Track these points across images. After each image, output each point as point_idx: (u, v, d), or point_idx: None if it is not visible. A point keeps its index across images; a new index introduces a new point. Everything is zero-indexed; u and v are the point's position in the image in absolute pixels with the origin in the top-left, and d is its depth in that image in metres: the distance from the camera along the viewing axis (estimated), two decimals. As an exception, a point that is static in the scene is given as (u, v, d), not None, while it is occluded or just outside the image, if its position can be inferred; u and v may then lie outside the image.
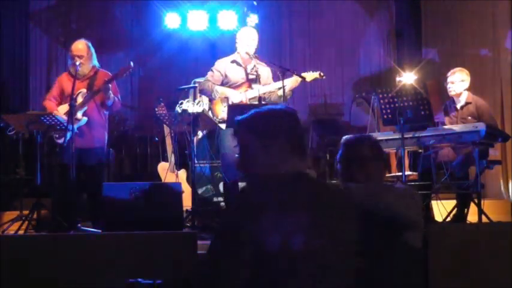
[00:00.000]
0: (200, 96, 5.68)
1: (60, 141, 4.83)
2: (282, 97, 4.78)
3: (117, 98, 4.98)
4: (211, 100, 4.94)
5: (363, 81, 8.41)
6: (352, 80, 8.49)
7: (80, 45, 4.96)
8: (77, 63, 4.83)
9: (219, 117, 4.84)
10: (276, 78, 4.94)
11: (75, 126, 4.72)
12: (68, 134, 4.75)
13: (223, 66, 4.95)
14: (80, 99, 4.83)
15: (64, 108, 4.86)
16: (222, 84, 4.92)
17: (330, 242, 1.70)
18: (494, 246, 3.35)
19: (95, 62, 5.04)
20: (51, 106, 4.95)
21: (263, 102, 4.73)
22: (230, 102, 4.81)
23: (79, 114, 4.79)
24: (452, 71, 5.18)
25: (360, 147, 2.40)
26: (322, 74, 4.90)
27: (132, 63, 4.99)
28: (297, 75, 4.79)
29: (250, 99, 4.86)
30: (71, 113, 4.59)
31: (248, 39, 4.91)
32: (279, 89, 4.80)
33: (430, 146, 4.76)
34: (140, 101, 8.10)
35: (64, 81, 5.01)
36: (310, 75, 4.88)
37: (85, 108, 4.82)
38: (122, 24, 8.15)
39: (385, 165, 2.15)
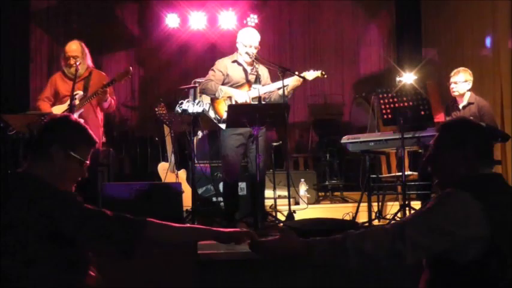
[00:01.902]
0: (200, 96, 5.67)
1: None
2: (282, 96, 4.77)
3: (113, 98, 4.98)
4: (213, 100, 4.93)
5: (363, 81, 8.41)
6: (352, 80, 8.49)
7: (74, 46, 4.93)
8: (78, 63, 4.82)
9: (222, 118, 4.82)
10: (275, 78, 4.93)
11: None
12: None
13: (224, 65, 4.93)
14: (76, 101, 4.81)
15: (59, 109, 4.84)
16: (223, 83, 4.90)
17: None
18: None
19: (89, 62, 5.01)
20: (45, 107, 4.92)
21: (263, 102, 4.73)
22: (234, 102, 4.80)
23: (75, 116, 4.78)
24: (455, 70, 5.16)
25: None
26: (324, 73, 4.87)
27: (131, 69, 4.97)
28: (297, 75, 4.78)
29: (253, 99, 4.85)
30: (71, 114, 4.58)
31: (251, 41, 4.88)
32: (279, 88, 4.79)
33: (430, 146, 4.75)
34: (140, 101, 8.11)
35: (58, 82, 4.97)
36: (311, 74, 4.86)
37: (81, 110, 4.81)
38: (123, 24, 8.15)
39: None
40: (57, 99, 4.96)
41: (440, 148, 2.08)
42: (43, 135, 2.13)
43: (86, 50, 4.98)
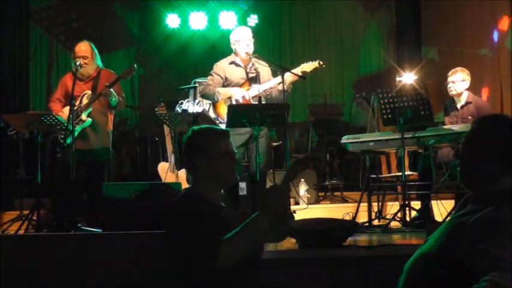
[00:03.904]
0: (200, 97, 5.68)
1: (65, 141, 4.84)
2: (282, 92, 4.77)
3: (121, 97, 4.99)
4: (214, 103, 4.94)
5: (363, 81, 8.41)
6: (352, 80, 8.49)
7: (84, 47, 4.95)
8: (77, 63, 4.83)
9: (224, 119, 4.82)
10: (275, 75, 4.94)
11: (79, 128, 4.73)
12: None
13: (222, 69, 4.94)
14: (85, 101, 4.84)
15: (67, 110, 4.86)
16: (223, 86, 4.91)
17: None
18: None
19: (99, 62, 5.04)
20: (56, 108, 4.95)
21: (263, 101, 4.73)
22: (234, 100, 4.80)
23: (83, 116, 4.80)
24: (453, 70, 5.17)
25: None
26: (321, 62, 4.88)
27: (135, 66, 4.99)
28: (296, 75, 4.78)
29: (252, 97, 4.85)
30: (71, 114, 4.59)
31: (246, 39, 4.89)
32: (279, 83, 4.78)
33: (430, 146, 4.76)
34: (140, 101, 8.11)
35: (68, 83, 4.99)
36: (309, 66, 4.86)
37: (89, 109, 4.83)
38: (123, 24, 8.16)
39: None
40: (68, 100, 4.97)
41: (471, 144, 1.84)
42: (188, 157, 2.26)
43: (95, 51, 5.00)
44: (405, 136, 4.62)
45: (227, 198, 2.38)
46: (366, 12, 8.59)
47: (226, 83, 4.92)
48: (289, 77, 4.76)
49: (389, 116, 4.68)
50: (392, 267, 2.03)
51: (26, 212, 4.78)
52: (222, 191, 2.29)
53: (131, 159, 7.31)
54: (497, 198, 1.75)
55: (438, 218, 4.89)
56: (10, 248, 3.48)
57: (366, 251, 3.36)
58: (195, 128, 2.28)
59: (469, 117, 5.03)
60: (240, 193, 5.17)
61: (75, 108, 4.80)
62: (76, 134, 4.73)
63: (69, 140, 4.74)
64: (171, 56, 7.93)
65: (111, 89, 4.79)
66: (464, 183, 1.90)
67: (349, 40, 8.55)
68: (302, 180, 6.07)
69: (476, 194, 1.85)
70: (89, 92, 4.87)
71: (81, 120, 4.79)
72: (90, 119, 4.83)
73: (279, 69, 4.78)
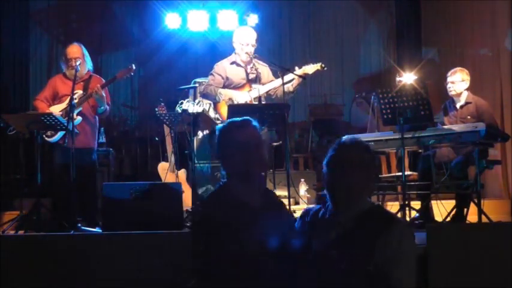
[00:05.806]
0: (200, 96, 5.67)
1: (51, 139, 4.85)
2: (287, 93, 4.77)
3: (108, 105, 5.02)
4: (215, 103, 4.93)
5: (363, 81, 8.41)
6: (352, 80, 8.50)
7: (75, 49, 4.98)
8: (78, 63, 4.84)
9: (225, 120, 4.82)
10: (276, 76, 4.94)
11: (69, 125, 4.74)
12: (60, 133, 4.77)
13: (223, 69, 4.93)
14: (76, 100, 4.85)
15: (57, 108, 4.89)
16: (224, 86, 4.90)
17: None
18: (494, 246, 3.35)
19: (89, 66, 5.06)
20: (42, 107, 4.97)
21: (263, 102, 4.73)
22: (235, 103, 4.80)
23: (73, 114, 4.81)
24: (452, 70, 5.17)
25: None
26: (323, 65, 4.89)
27: (133, 66, 4.99)
28: (298, 75, 4.78)
29: (254, 98, 4.85)
30: (70, 114, 4.60)
31: (247, 39, 4.89)
32: (285, 83, 4.78)
33: (430, 146, 4.76)
34: (140, 101, 8.11)
35: (58, 83, 5.03)
36: (311, 68, 4.87)
37: (80, 108, 4.86)
38: (122, 24, 8.15)
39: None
40: (56, 100, 5.00)
41: (344, 168, 2.02)
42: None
43: (87, 53, 5.01)
44: (405, 136, 4.61)
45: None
46: (365, 13, 8.59)
47: (227, 83, 4.92)
48: (293, 79, 4.78)
49: (389, 116, 4.68)
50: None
51: (26, 212, 4.77)
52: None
53: (131, 159, 7.32)
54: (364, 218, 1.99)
55: (438, 218, 4.89)
56: (10, 248, 3.48)
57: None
58: (218, 126, 2.30)
59: (468, 117, 5.03)
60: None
61: (65, 106, 4.82)
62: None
63: (58, 137, 4.75)
64: (171, 56, 7.93)
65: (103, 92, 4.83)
66: (338, 206, 2.07)
67: (349, 40, 8.55)
68: (302, 180, 6.07)
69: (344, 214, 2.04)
70: (80, 91, 4.90)
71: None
72: (80, 117, 4.86)
73: (279, 69, 4.78)
